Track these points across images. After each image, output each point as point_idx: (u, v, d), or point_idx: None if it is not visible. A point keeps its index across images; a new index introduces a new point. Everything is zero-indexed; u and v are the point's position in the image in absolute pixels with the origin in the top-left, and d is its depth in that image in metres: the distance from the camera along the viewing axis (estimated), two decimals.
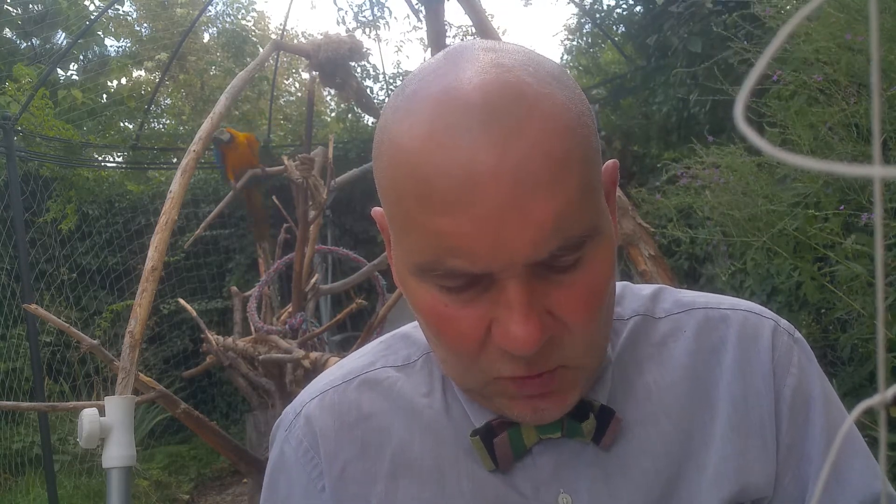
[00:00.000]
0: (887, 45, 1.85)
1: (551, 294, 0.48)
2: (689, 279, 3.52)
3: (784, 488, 0.57)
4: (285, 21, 7.90)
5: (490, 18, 2.91)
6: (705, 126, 3.44)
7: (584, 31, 5.97)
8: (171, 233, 2.14)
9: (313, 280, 3.55)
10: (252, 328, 3.23)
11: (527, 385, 0.50)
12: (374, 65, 7.14)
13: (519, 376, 0.50)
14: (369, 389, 0.62)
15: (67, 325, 2.14)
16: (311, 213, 3.07)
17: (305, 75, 8.75)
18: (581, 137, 0.47)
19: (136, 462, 1.72)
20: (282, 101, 8.97)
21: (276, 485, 0.63)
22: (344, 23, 7.16)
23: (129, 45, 8.44)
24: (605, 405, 0.56)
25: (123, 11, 7.90)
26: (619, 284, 0.64)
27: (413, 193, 0.46)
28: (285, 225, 3.66)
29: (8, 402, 4.00)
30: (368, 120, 6.68)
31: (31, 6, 6.34)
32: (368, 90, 6.60)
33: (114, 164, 6.69)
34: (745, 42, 2.54)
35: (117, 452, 1.67)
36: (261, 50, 6.31)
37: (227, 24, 8.97)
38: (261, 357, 3.00)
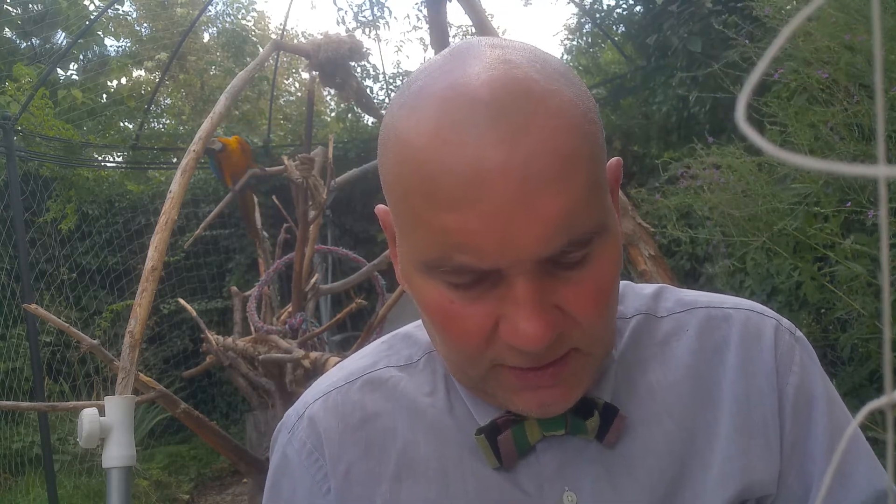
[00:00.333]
0: (888, 45, 1.84)
1: (559, 290, 0.48)
2: (690, 279, 3.52)
3: (788, 487, 0.57)
4: (285, 21, 7.90)
5: (490, 18, 2.91)
6: (705, 126, 3.44)
7: (584, 30, 5.97)
8: (171, 233, 2.14)
9: (313, 280, 3.55)
10: (252, 328, 3.23)
11: (530, 377, 0.50)
12: (374, 65, 7.15)
13: (524, 368, 0.50)
14: (372, 390, 0.62)
15: (67, 324, 2.14)
16: (311, 213, 3.07)
17: (305, 75, 8.75)
18: (588, 134, 0.47)
19: (136, 462, 1.72)
20: (282, 100, 8.97)
21: (278, 488, 0.62)
22: (344, 23, 7.17)
23: (129, 44, 8.44)
24: (609, 403, 0.56)
25: (123, 11, 7.91)
26: (621, 284, 0.64)
27: (420, 190, 0.46)
28: (285, 225, 3.66)
29: (8, 402, 3.99)
30: (368, 120, 6.68)
31: (30, 6, 6.34)
32: (368, 90, 6.61)
33: (114, 164, 6.69)
34: (746, 42, 2.54)
35: (117, 452, 1.67)
36: (261, 50, 6.31)
37: (227, 24, 8.97)
38: (261, 357, 3.00)
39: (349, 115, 6.97)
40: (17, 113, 4.65)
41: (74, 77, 6.77)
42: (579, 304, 0.48)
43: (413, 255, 0.50)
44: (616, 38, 5.37)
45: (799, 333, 0.61)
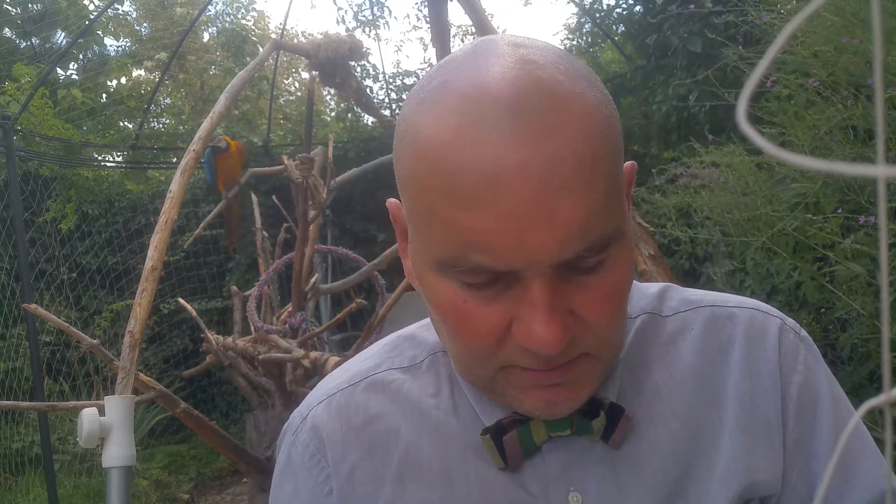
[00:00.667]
0: (885, 47, 1.85)
1: (574, 295, 0.47)
2: (689, 279, 3.52)
3: (792, 486, 0.57)
4: (285, 20, 7.89)
5: (490, 18, 2.91)
6: (705, 125, 3.44)
7: (584, 30, 5.97)
8: (171, 232, 2.14)
9: (313, 280, 3.55)
10: (252, 328, 3.23)
11: (540, 375, 0.50)
12: (373, 64, 7.14)
13: (537, 369, 0.49)
14: (376, 392, 0.61)
15: (67, 324, 2.14)
16: (311, 213, 3.07)
17: (305, 75, 8.75)
18: (609, 139, 0.46)
19: (135, 462, 1.72)
20: (281, 100, 8.97)
21: (281, 489, 0.63)
22: (344, 22, 7.17)
23: (128, 44, 8.44)
24: (615, 403, 0.56)
25: (123, 11, 7.90)
26: None
27: (437, 187, 0.45)
28: (285, 225, 3.66)
29: (8, 402, 3.99)
30: (368, 120, 6.68)
31: (30, 5, 6.33)
32: (368, 90, 6.60)
33: (113, 164, 6.69)
34: (744, 43, 2.54)
35: (117, 452, 1.67)
36: (260, 49, 6.31)
37: (227, 24, 8.97)
38: (261, 357, 3.00)
39: (349, 115, 6.97)
40: (17, 112, 4.65)
41: (74, 77, 6.77)
42: (593, 310, 0.48)
43: (427, 253, 0.50)
44: (616, 38, 5.37)
45: (804, 333, 0.61)
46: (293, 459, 0.62)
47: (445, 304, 0.49)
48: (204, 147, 2.34)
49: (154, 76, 8.20)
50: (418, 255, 0.52)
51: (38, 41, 6.52)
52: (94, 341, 2.03)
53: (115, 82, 7.05)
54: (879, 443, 0.59)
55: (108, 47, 7.54)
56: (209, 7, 7.95)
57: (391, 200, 0.57)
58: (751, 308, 0.62)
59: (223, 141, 4.01)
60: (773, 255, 2.13)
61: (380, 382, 0.62)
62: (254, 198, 4.12)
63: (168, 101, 9.03)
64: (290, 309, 3.35)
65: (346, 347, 4.15)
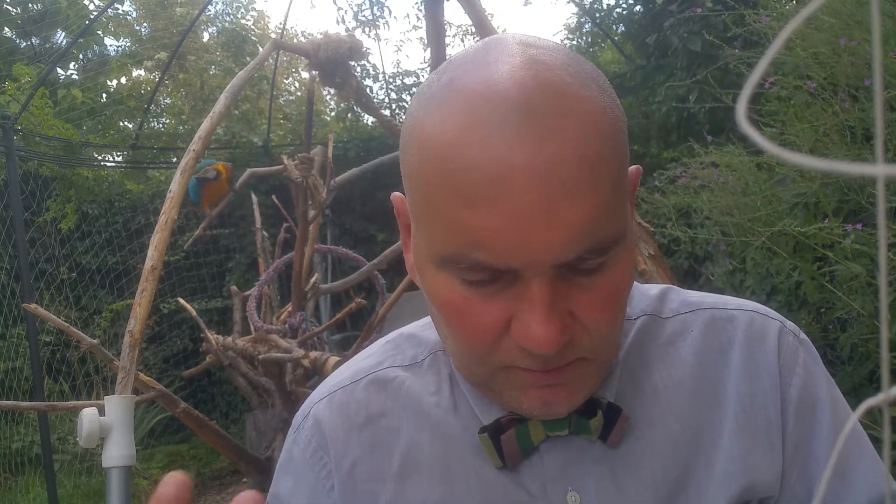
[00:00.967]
0: (884, 48, 1.85)
1: (573, 296, 0.47)
2: (689, 279, 3.52)
3: (791, 487, 0.57)
4: (285, 20, 7.89)
5: (490, 18, 2.91)
6: (705, 126, 3.44)
7: (584, 30, 5.97)
8: (171, 232, 2.14)
9: (313, 279, 3.55)
10: (252, 327, 3.23)
11: (538, 376, 0.50)
12: (373, 64, 7.15)
13: (534, 370, 0.50)
14: (378, 389, 0.62)
15: (67, 324, 2.14)
16: (311, 213, 3.07)
17: (305, 75, 8.75)
18: (616, 143, 0.46)
19: (135, 461, 1.72)
20: (281, 100, 8.97)
21: (281, 484, 0.63)
22: (343, 22, 7.18)
23: (128, 44, 8.43)
24: (613, 403, 0.56)
25: (123, 11, 7.90)
26: None
27: (442, 184, 0.46)
28: (285, 224, 3.66)
29: (8, 402, 3.99)
30: (368, 119, 6.68)
31: (30, 5, 6.33)
32: (368, 90, 6.60)
33: (113, 164, 6.68)
34: (743, 46, 2.54)
35: (117, 452, 1.67)
36: (260, 49, 6.31)
37: (227, 24, 8.97)
38: (260, 356, 3.00)
39: (349, 115, 6.97)
40: (17, 112, 4.65)
41: (74, 77, 6.77)
42: (592, 312, 0.48)
43: (429, 249, 0.50)
44: (616, 38, 5.37)
45: (803, 336, 0.61)
46: (294, 455, 0.63)
47: (445, 300, 0.50)
48: (204, 147, 2.34)
49: (154, 76, 8.20)
50: (420, 250, 0.52)
51: (38, 41, 6.52)
52: (94, 341, 2.03)
53: (115, 82, 7.05)
54: (878, 441, 0.60)
55: (108, 47, 7.53)
56: (209, 7, 7.95)
57: (396, 194, 0.57)
58: (750, 310, 0.62)
59: (212, 171, 3.96)
60: (772, 255, 2.13)
61: (381, 380, 0.62)
62: (254, 198, 4.13)
63: (168, 101, 9.03)
64: (289, 309, 3.35)
65: (346, 347, 4.15)
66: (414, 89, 7.04)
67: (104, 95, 6.78)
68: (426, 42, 8.46)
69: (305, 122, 3.34)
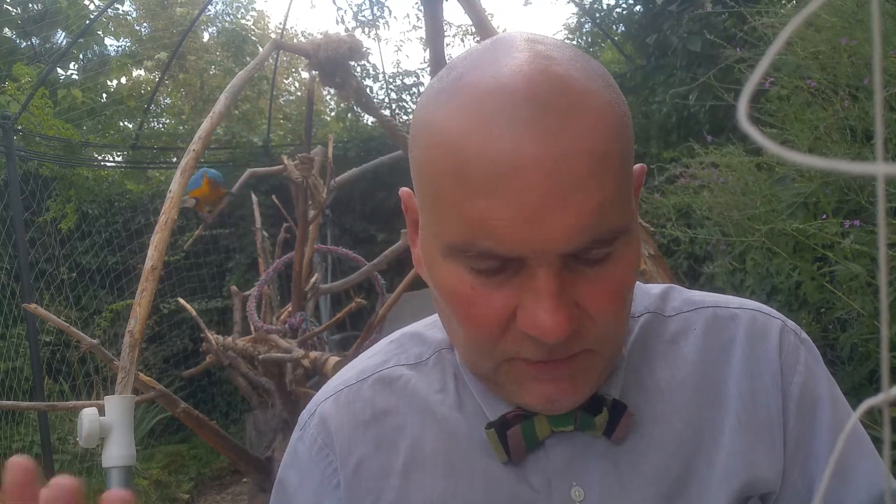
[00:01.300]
0: (884, 48, 1.85)
1: (579, 286, 0.48)
2: (689, 278, 3.52)
3: (791, 484, 0.57)
4: (285, 20, 7.89)
5: (490, 18, 2.91)
6: (705, 125, 3.44)
7: (584, 30, 5.97)
8: (171, 232, 2.13)
9: (313, 279, 3.55)
10: (252, 327, 3.23)
11: (542, 368, 0.51)
12: (373, 64, 7.14)
13: (539, 360, 0.50)
14: (383, 387, 0.63)
15: (67, 324, 2.14)
16: (311, 213, 3.07)
17: (305, 75, 8.75)
18: (621, 137, 0.47)
19: (135, 461, 1.72)
20: (281, 100, 8.97)
21: (285, 482, 0.64)
22: (343, 22, 7.17)
23: (128, 44, 8.43)
24: (618, 400, 0.56)
25: (123, 11, 7.90)
26: None
27: (451, 174, 0.47)
28: (285, 224, 3.66)
29: (8, 402, 3.99)
30: (368, 119, 6.68)
31: (30, 5, 6.33)
32: (368, 90, 6.60)
33: (113, 164, 6.68)
34: (744, 45, 2.54)
35: (117, 452, 1.67)
36: (260, 49, 6.31)
37: (227, 24, 8.97)
38: (260, 356, 3.00)
39: (349, 115, 6.97)
40: (17, 112, 4.65)
41: (74, 77, 6.77)
42: (597, 302, 0.49)
43: (437, 240, 0.51)
44: (616, 38, 5.37)
45: (804, 335, 0.62)
46: (300, 453, 0.63)
47: (452, 290, 0.50)
48: (204, 147, 2.34)
49: (154, 76, 8.20)
50: (428, 242, 0.53)
51: (38, 41, 6.52)
52: (94, 341, 2.03)
53: (115, 82, 7.05)
54: (878, 441, 0.60)
55: (108, 47, 7.53)
56: (209, 7, 7.95)
57: (404, 189, 0.58)
58: (752, 309, 0.62)
59: (189, 200, 3.97)
60: (772, 255, 2.13)
61: (387, 378, 0.63)
62: (254, 198, 4.12)
63: (168, 101, 9.03)
64: (289, 309, 3.35)
65: (346, 347, 4.15)
66: (414, 89, 7.04)
67: (104, 95, 6.79)
68: (426, 42, 8.46)
69: (305, 122, 3.34)
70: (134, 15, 8.71)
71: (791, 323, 0.62)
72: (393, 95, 7.11)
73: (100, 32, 6.58)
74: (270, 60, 6.50)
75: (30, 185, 4.96)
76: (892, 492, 0.55)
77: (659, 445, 0.57)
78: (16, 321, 4.77)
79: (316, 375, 2.93)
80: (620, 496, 0.55)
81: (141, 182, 6.33)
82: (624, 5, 4.95)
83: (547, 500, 0.56)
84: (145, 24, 8.85)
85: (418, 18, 8.05)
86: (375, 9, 6.90)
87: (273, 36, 8.75)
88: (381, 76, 7.19)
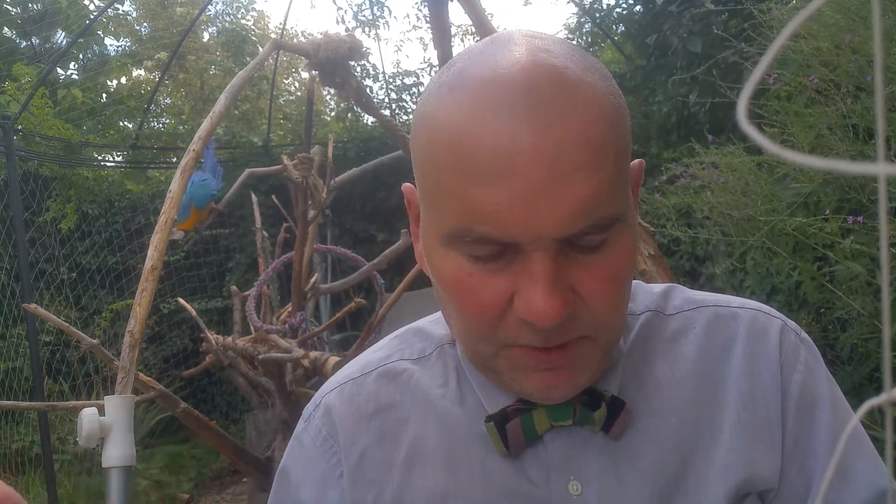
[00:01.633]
0: (886, 45, 1.84)
1: (575, 272, 0.49)
2: (689, 279, 3.52)
3: (790, 482, 0.58)
4: (285, 20, 7.89)
5: (490, 18, 2.91)
6: (705, 125, 3.43)
7: (584, 30, 5.97)
8: (171, 232, 2.13)
9: (313, 279, 3.55)
10: (251, 327, 3.23)
11: (540, 357, 0.51)
12: (373, 64, 7.15)
13: (535, 347, 0.50)
14: (387, 381, 0.64)
15: (67, 324, 2.14)
16: (311, 213, 3.07)
17: (305, 75, 8.75)
18: (618, 127, 0.49)
19: (135, 461, 1.72)
20: (281, 100, 8.97)
21: (288, 472, 0.65)
22: (343, 22, 7.17)
23: (128, 44, 8.44)
24: (616, 396, 0.57)
25: (123, 11, 7.90)
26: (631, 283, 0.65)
27: (451, 164, 0.48)
28: (285, 224, 3.66)
29: (7, 402, 4.00)
30: (368, 119, 6.68)
31: (30, 5, 6.33)
32: (368, 90, 6.60)
33: (113, 164, 6.68)
34: (744, 44, 2.54)
35: (117, 452, 1.66)
36: (260, 49, 6.30)
37: (227, 24, 8.97)
38: (260, 356, 3.00)
39: (349, 115, 6.97)
40: (17, 112, 4.65)
41: (74, 76, 6.77)
42: (593, 288, 0.49)
43: (436, 229, 0.52)
44: (616, 38, 5.37)
45: (804, 335, 0.62)
46: (304, 444, 0.64)
47: (452, 278, 0.51)
48: (203, 147, 2.33)
49: (154, 76, 8.20)
50: (428, 232, 0.54)
51: (38, 41, 6.52)
52: (94, 341, 2.03)
53: (115, 82, 7.05)
54: (879, 441, 0.60)
55: (108, 47, 7.54)
56: (209, 7, 7.96)
57: (406, 185, 0.60)
58: (753, 309, 0.63)
59: (176, 233, 3.89)
60: (773, 255, 2.13)
61: (391, 372, 0.64)
62: (254, 198, 4.12)
63: (168, 100, 9.03)
64: (289, 309, 3.35)
65: (346, 347, 4.15)
66: (414, 89, 7.04)
67: (104, 95, 6.79)
68: (430, 43, 8.46)
69: (305, 122, 3.34)
70: (134, 15, 8.71)
71: (791, 322, 0.63)
72: (393, 95, 7.11)
73: (100, 32, 6.58)
74: (270, 60, 6.50)
75: (30, 185, 4.96)
76: (894, 492, 0.55)
77: (656, 441, 0.57)
78: (16, 321, 4.77)
79: (316, 375, 2.93)
80: (618, 491, 0.56)
81: (141, 182, 6.34)
82: (624, 5, 4.95)
83: (545, 494, 0.56)
84: (145, 24, 8.85)
85: (418, 18, 8.06)
86: (375, 9, 6.90)
87: (273, 36, 8.75)
88: (381, 76, 7.19)
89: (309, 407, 0.67)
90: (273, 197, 3.95)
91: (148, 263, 2.03)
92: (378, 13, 6.94)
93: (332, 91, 3.45)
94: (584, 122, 0.46)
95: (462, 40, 8.40)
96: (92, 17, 6.24)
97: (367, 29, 6.99)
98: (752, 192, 2.17)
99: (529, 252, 0.47)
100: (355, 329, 4.96)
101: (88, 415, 1.63)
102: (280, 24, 8.72)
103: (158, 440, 5.40)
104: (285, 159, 3.08)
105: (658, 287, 0.66)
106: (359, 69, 6.56)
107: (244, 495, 4.44)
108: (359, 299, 2.85)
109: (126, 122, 7.37)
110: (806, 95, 2.07)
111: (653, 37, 4.24)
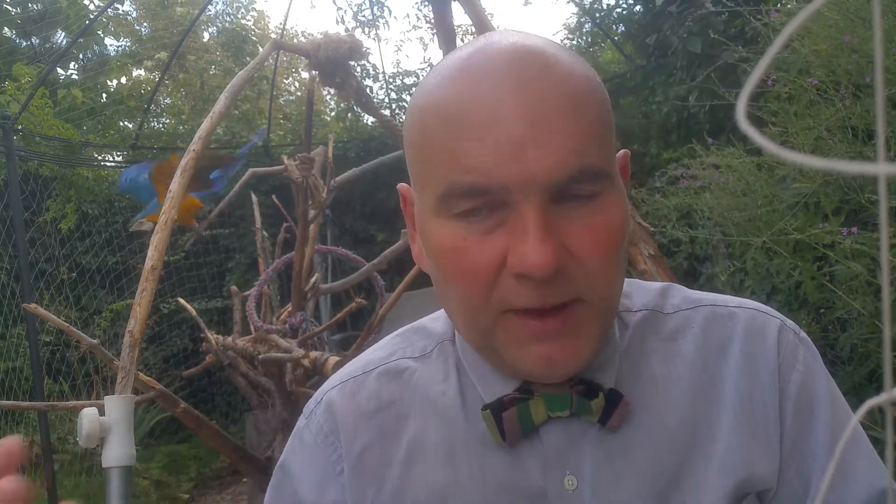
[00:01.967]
0: (886, 45, 1.84)
1: (566, 228, 0.50)
2: (689, 279, 3.52)
3: (788, 482, 0.58)
4: (285, 20, 7.89)
5: (490, 18, 2.91)
6: (705, 126, 3.44)
7: (584, 30, 5.97)
8: (171, 232, 2.13)
9: (313, 279, 3.55)
10: (252, 327, 3.23)
11: (537, 325, 0.51)
12: (373, 64, 7.15)
13: (532, 307, 0.51)
14: (389, 379, 0.64)
15: (67, 324, 2.14)
16: (311, 213, 3.07)
17: (305, 75, 8.75)
18: (598, 93, 0.53)
19: (135, 461, 1.72)
20: (281, 100, 8.97)
21: (289, 468, 0.65)
22: (343, 22, 7.17)
23: (128, 44, 8.43)
24: (614, 389, 0.57)
25: (123, 11, 7.90)
26: (628, 281, 0.65)
27: (439, 125, 0.51)
28: (285, 224, 3.66)
29: (8, 402, 3.99)
30: (368, 119, 6.68)
31: (30, 5, 6.33)
32: (368, 90, 6.60)
33: (113, 164, 6.68)
34: (741, 47, 2.54)
35: (117, 452, 1.66)
36: (260, 49, 6.30)
37: (227, 24, 8.97)
38: (260, 356, 3.00)
39: (349, 115, 6.97)
40: (17, 112, 4.64)
41: (74, 76, 6.77)
42: (585, 245, 0.50)
43: (429, 199, 0.53)
44: (616, 38, 5.37)
45: (803, 334, 0.62)
46: (306, 439, 0.65)
47: (445, 247, 0.52)
48: (204, 147, 2.33)
49: (154, 76, 8.20)
50: (422, 208, 0.55)
51: (38, 41, 6.52)
52: (94, 341, 2.03)
53: (115, 82, 7.05)
54: (879, 441, 0.60)
55: (108, 47, 7.53)
56: (209, 7, 7.96)
57: (402, 185, 0.61)
58: (751, 308, 0.63)
59: (147, 223, 3.83)
60: (773, 255, 2.13)
61: (393, 370, 0.65)
62: (254, 198, 4.12)
63: (168, 100, 9.03)
64: (289, 309, 3.35)
65: (346, 347, 4.15)
66: (414, 89, 7.03)
67: (104, 95, 6.79)
68: (430, 43, 8.46)
69: (305, 122, 3.34)
70: (134, 15, 8.71)
71: (790, 322, 0.63)
72: (393, 95, 7.11)
73: (100, 32, 6.58)
74: (270, 60, 6.50)
75: (30, 185, 4.95)
76: (894, 492, 0.55)
77: (652, 438, 0.57)
78: (16, 321, 4.77)
79: (316, 375, 2.93)
80: (613, 487, 0.56)
81: None
82: (624, 5, 4.95)
83: (541, 489, 0.57)
84: (145, 24, 8.85)
85: (418, 18, 8.06)
86: (375, 9, 6.90)
87: (273, 36, 8.75)
88: (381, 76, 7.19)
89: (310, 404, 0.67)
90: (273, 197, 3.95)
91: (148, 263, 2.03)
92: (378, 13, 6.95)
93: (332, 91, 3.45)
94: (563, 76, 0.50)
95: (462, 40, 8.40)
96: (92, 17, 6.24)
97: (366, 29, 6.99)
98: (752, 192, 2.17)
99: (520, 207, 0.49)
100: (355, 329, 4.96)
101: (88, 415, 1.63)
102: (280, 24, 8.71)
103: (158, 440, 5.40)
104: (286, 159, 3.08)
105: (655, 285, 0.66)
106: (359, 69, 6.56)
107: (244, 495, 4.44)
108: (359, 299, 2.85)
109: (126, 122, 7.37)
110: (806, 97, 2.07)
111: (653, 37, 4.24)
